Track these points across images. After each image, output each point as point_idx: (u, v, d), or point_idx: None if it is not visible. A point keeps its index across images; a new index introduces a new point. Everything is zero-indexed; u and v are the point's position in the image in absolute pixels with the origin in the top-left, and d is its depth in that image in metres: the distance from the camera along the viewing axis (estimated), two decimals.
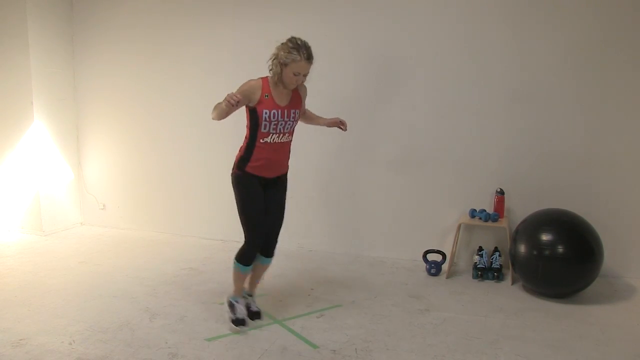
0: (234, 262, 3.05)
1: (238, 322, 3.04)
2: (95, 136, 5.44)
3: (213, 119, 2.97)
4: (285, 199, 3.14)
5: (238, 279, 3.10)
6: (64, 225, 5.40)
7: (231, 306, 3.11)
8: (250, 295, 3.24)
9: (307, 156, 4.44)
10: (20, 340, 2.95)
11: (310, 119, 3.30)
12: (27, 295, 3.61)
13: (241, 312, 3.08)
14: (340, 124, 3.25)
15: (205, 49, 4.84)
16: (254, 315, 3.14)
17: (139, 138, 5.24)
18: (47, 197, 5.21)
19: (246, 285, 3.21)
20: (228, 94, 2.75)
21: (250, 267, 3.07)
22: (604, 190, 3.87)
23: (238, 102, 2.76)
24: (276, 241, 3.14)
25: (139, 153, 5.27)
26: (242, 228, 3.03)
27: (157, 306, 3.42)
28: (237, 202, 3.00)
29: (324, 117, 3.34)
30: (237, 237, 4.92)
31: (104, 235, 5.22)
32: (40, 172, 5.15)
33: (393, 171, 4.37)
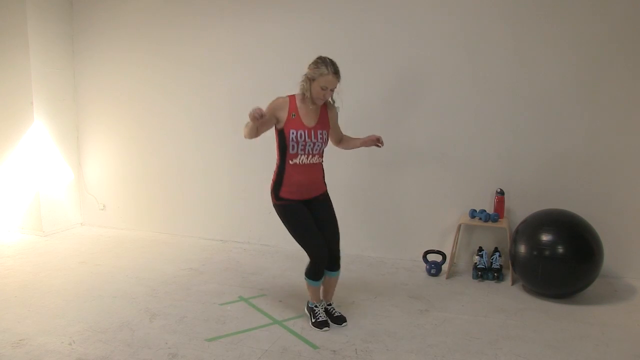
0: (305, 277, 3.14)
1: (320, 324, 3.10)
2: (95, 136, 5.44)
3: (245, 137, 2.99)
4: (334, 213, 3.15)
5: (311, 290, 3.17)
6: (64, 225, 5.40)
7: (311, 311, 3.19)
8: (330, 305, 3.26)
9: None
10: (20, 340, 2.95)
11: (347, 142, 3.31)
12: (27, 296, 3.61)
13: (321, 314, 3.15)
14: (377, 142, 3.21)
15: (205, 49, 4.84)
16: (338, 319, 3.17)
17: (139, 138, 5.25)
18: (47, 198, 5.21)
19: (321, 296, 3.26)
20: (252, 109, 2.72)
21: (321, 281, 3.13)
22: (604, 190, 3.87)
23: (262, 115, 2.73)
24: (338, 254, 3.16)
25: (139, 153, 5.27)
26: (302, 249, 3.07)
27: (157, 306, 3.42)
28: (288, 230, 3.05)
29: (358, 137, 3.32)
30: (236, 238, 4.98)
31: (104, 235, 5.22)
32: (40, 172, 5.15)
33: (393, 171, 4.37)
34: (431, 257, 4.12)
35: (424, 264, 4.08)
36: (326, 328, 3.08)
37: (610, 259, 3.71)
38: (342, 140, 3.30)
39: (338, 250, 3.14)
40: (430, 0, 4.11)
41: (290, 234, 3.05)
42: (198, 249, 4.74)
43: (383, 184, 4.42)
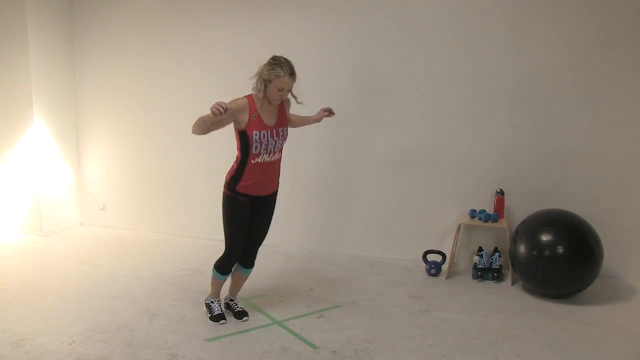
0: (213, 269, 3.18)
1: (217, 317, 3.18)
2: (95, 136, 5.44)
3: (193, 132, 2.97)
4: (272, 216, 3.20)
5: (215, 284, 3.24)
6: (64, 225, 5.40)
7: (208, 306, 3.26)
8: (233, 300, 3.31)
9: (307, 157, 4.44)
10: (20, 340, 2.95)
11: (299, 122, 3.32)
12: (27, 296, 3.61)
13: (216, 308, 3.22)
14: (329, 113, 3.32)
15: (205, 49, 4.83)
16: (240, 314, 3.22)
17: (139, 138, 5.24)
18: (47, 198, 5.20)
19: (227, 291, 3.32)
20: (215, 103, 2.72)
21: (227, 275, 3.20)
22: (604, 191, 3.87)
23: (226, 110, 2.74)
24: (256, 254, 3.22)
25: (139, 153, 5.27)
26: (224, 239, 3.10)
27: (157, 307, 3.42)
28: (223, 217, 3.07)
29: (316, 117, 3.37)
30: None
31: (104, 235, 5.22)
32: (40, 172, 5.14)
33: (393, 171, 4.37)
34: (431, 257, 4.12)
35: (424, 264, 4.08)
36: (223, 321, 3.15)
37: (610, 259, 3.71)
38: (293, 122, 3.26)
39: (257, 250, 3.20)
40: (431, 0, 4.12)
41: (223, 221, 3.06)
42: (198, 249, 4.74)
43: (383, 184, 4.42)
